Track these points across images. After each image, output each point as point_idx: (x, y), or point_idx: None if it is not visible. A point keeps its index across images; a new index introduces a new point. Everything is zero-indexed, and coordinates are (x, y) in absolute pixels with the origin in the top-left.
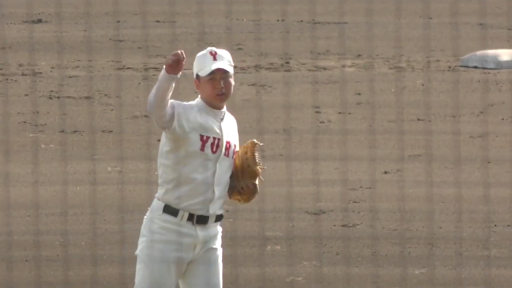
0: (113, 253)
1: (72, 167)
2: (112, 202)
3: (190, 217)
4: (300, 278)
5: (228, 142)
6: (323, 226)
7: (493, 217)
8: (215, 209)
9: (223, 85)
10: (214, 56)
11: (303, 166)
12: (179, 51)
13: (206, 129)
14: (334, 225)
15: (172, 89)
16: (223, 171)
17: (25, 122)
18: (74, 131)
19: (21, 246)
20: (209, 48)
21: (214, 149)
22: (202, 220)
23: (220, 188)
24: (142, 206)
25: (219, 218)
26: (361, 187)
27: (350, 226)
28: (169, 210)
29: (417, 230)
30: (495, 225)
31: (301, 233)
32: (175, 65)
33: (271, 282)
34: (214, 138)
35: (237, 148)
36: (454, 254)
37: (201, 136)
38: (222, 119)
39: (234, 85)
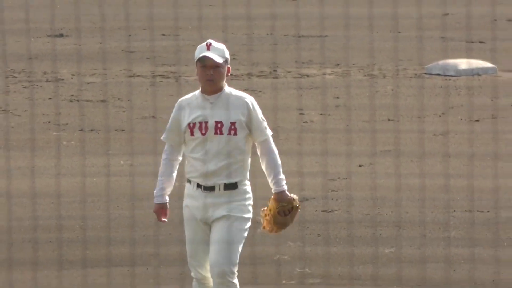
0: (125, 235)
1: (89, 161)
2: (124, 191)
3: (199, 186)
4: (286, 257)
5: (218, 122)
6: (306, 211)
7: (453, 203)
8: (215, 180)
9: (212, 73)
10: (208, 47)
11: (289, 160)
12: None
13: (193, 117)
14: (316, 211)
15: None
16: (215, 147)
17: (49, 122)
18: (92, 130)
19: (46, 229)
20: (208, 40)
21: (203, 131)
22: (209, 188)
23: (214, 162)
24: (150, 195)
25: (228, 187)
26: (339, 178)
27: (329, 212)
28: (188, 181)
29: (386, 215)
30: (454, 211)
31: None
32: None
33: (260, 259)
34: (201, 122)
35: (237, 125)
36: (419, 236)
37: (188, 124)
38: (212, 103)
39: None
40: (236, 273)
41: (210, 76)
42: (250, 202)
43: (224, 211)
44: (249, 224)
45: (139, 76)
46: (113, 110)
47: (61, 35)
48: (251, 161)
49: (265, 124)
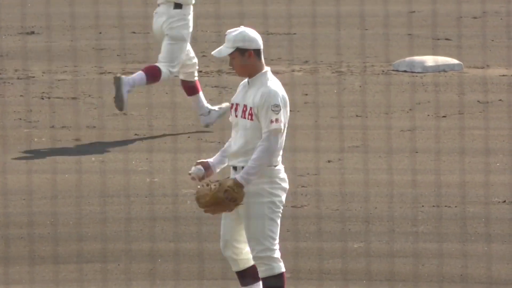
0: (96, 231)
1: (60, 157)
2: (95, 187)
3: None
4: None
5: (245, 106)
6: None
7: (420, 199)
8: (233, 161)
9: (230, 66)
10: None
11: None
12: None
13: (233, 98)
14: (285, 206)
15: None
16: (240, 130)
17: (20, 119)
18: (63, 127)
19: (17, 225)
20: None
21: (235, 114)
22: (232, 168)
23: (237, 144)
24: (121, 191)
25: (235, 168)
26: (308, 173)
27: (299, 207)
28: None
29: (355, 210)
30: (422, 206)
31: None
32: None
33: None
34: (235, 104)
35: (253, 111)
36: (387, 231)
37: (231, 105)
38: (246, 87)
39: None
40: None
41: (233, 68)
42: (273, 186)
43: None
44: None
45: (110, 73)
46: (84, 107)
47: (32, 33)
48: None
49: (276, 116)
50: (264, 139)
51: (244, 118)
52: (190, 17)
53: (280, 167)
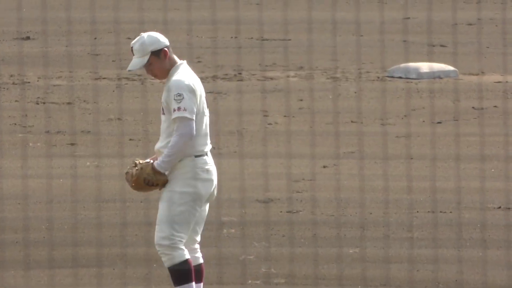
0: (91, 236)
1: (56, 162)
2: (90, 192)
3: None
4: (251, 257)
5: (162, 103)
6: (271, 212)
7: (415, 204)
8: (159, 156)
9: (149, 73)
10: (133, 51)
11: (254, 161)
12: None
13: None
14: (281, 212)
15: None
16: (161, 126)
17: (15, 124)
18: (58, 132)
19: (12, 229)
20: (131, 43)
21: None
22: None
23: (160, 139)
24: (116, 196)
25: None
26: (303, 179)
27: (294, 212)
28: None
29: (351, 215)
30: (417, 212)
31: (252, 219)
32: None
33: (226, 260)
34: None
35: (164, 105)
36: (383, 236)
37: None
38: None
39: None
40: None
41: (151, 74)
42: (189, 176)
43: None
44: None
45: (105, 78)
46: (79, 112)
47: (28, 38)
48: None
49: (178, 105)
50: (175, 129)
51: (163, 114)
52: None
53: (206, 158)
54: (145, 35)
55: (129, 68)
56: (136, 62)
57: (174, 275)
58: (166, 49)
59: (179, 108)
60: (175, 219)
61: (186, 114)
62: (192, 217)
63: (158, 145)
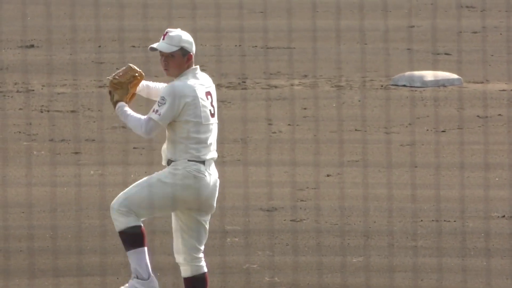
0: (95, 244)
1: (60, 170)
2: (94, 200)
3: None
4: (255, 266)
5: None
6: (275, 221)
7: (420, 213)
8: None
9: (165, 62)
10: (163, 36)
11: (258, 170)
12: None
13: None
14: (284, 220)
15: None
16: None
17: (20, 132)
18: (62, 140)
19: (17, 238)
20: (167, 29)
21: None
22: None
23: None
24: None
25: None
26: (307, 187)
27: (298, 221)
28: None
29: (354, 224)
30: (421, 220)
31: (256, 227)
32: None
33: (230, 269)
34: None
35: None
36: (387, 245)
37: None
38: None
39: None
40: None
41: (164, 65)
42: (175, 174)
43: None
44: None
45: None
46: (84, 120)
47: (32, 46)
48: None
49: (156, 108)
50: (145, 117)
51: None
52: None
53: (200, 166)
54: (184, 32)
55: (154, 46)
56: (163, 46)
57: (125, 239)
58: (192, 55)
59: (155, 111)
60: (139, 197)
61: (156, 117)
62: (159, 208)
63: (164, 146)
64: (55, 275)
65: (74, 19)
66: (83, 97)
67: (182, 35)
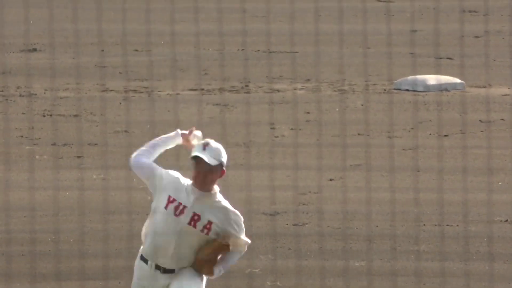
0: (98, 248)
1: (62, 174)
2: (96, 205)
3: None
4: (257, 270)
5: (195, 214)
6: (277, 225)
7: (422, 217)
8: (163, 261)
9: (203, 176)
10: (204, 146)
11: (260, 174)
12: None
13: (177, 195)
14: (287, 224)
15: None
16: (178, 233)
17: (22, 136)
18: (65, 144)
19: (19, 242)
20: (206, 140)
21: (177, 213)
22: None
23: (171, 246)
24: (123, 209)
25: (163, 269)
26: (309, 192)
27: (300, 225)
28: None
29: (357, 228)
30: (424, 224)
31: (258, 231)
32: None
33: (232, 273)
34: (181, 204)
35: (213, 226)
36: (389, 249)
37: (169, 196)
38: (197, 198)
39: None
40: None
41: (201, 179)
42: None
43: None
44: None
45: (112, 90)
46: (86, 124)
47: (35, 50)
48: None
49: (244, 241)
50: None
51: (194, 227)
52: None
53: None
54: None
55: (203, 157)
56: (211, 159)
57: None
58: (225, 171)
59: (246, 237)
60: None
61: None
62: None
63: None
64: (57, 279)
65: (77, 23)
66: (86, 101)
67: (221, 149)
